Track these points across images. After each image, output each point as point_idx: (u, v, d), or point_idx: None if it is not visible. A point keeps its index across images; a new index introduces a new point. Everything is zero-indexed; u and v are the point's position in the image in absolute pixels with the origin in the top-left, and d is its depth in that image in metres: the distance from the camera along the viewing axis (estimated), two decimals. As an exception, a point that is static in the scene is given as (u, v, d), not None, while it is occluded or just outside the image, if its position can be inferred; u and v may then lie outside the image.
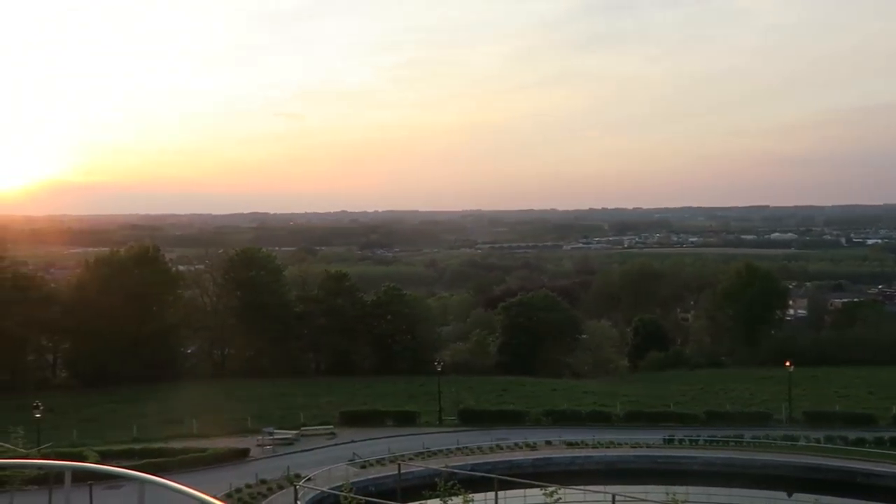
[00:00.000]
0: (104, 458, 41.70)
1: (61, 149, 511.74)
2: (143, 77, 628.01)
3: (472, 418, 61.02)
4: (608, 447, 52.62)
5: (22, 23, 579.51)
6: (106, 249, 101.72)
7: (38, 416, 45.59)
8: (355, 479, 36.33)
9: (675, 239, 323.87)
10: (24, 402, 52.11)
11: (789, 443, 53.43)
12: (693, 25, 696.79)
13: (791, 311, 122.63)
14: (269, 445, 51.15)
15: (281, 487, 40.65)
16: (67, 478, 8.09)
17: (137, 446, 48.40)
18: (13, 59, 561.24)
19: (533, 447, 52.08)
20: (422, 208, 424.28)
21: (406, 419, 60.48)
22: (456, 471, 30.13)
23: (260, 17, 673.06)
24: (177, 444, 50.27)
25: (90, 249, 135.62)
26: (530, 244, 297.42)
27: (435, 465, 40.16)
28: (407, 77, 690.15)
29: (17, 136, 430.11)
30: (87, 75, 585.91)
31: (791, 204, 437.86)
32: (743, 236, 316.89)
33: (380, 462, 46.30)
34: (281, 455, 48.89)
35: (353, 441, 52.47)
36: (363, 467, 45.27)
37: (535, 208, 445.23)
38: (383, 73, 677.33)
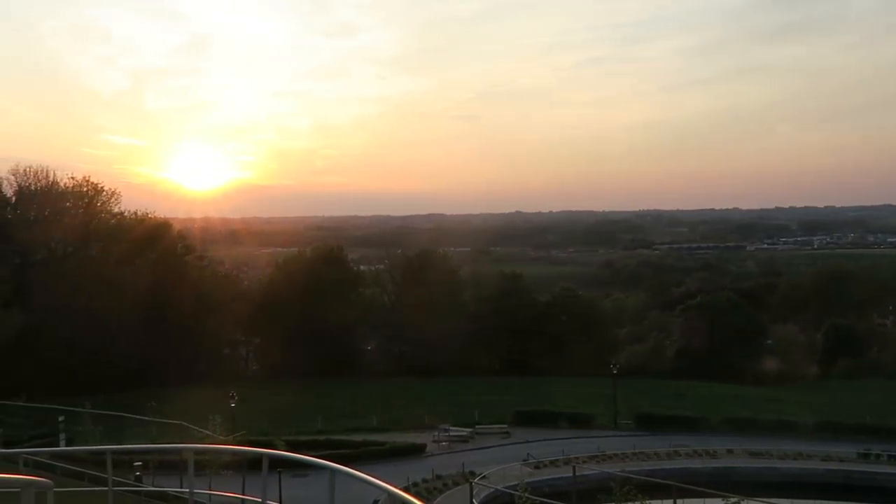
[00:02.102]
0: (291, 447, 43.80)
1: (256, 154, 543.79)
2: (325, 85, 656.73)
3: (648, 422, 59.64)
4: (796, 459, 49.85)
5: (220, 39, 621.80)
6: (294, 249, 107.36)
7: (232, 405, 48.68)
8: (530, 479, 36.32)
9: (872, 239, 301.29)
10: (220, 392, 55.82)
11: None
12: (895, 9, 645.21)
13: None
14: (445, 442, 52.20)
15: (456, 484, 41.34)
16: (265, 464, 8.69)
17: (322, 437, 50.66)
18: (210, 71, 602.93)
19: (713, 455, 50.20)
20: (597, 208, 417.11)
21: (580, 421, 59.94)
22: (632, 475, 29.55)
23: (439, 21, 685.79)
24: (357, 437, 52.27)
25: (279, 249, 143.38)
26: (711, 244, 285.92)
27: (610, 468, 39.58)
28: (584, 76, 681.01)
29: (219, 142, 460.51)
30: (276, 83, 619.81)
31: None
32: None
33: (554, 463, 46.14)
34: (456, 452, 49.77)
35: (527, 441, 52.58)
36: (537, 468, 45.27)
37: (717, 207, 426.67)
38: (560, 72, 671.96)
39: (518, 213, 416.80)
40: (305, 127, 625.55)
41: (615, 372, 63.48)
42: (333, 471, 7.18)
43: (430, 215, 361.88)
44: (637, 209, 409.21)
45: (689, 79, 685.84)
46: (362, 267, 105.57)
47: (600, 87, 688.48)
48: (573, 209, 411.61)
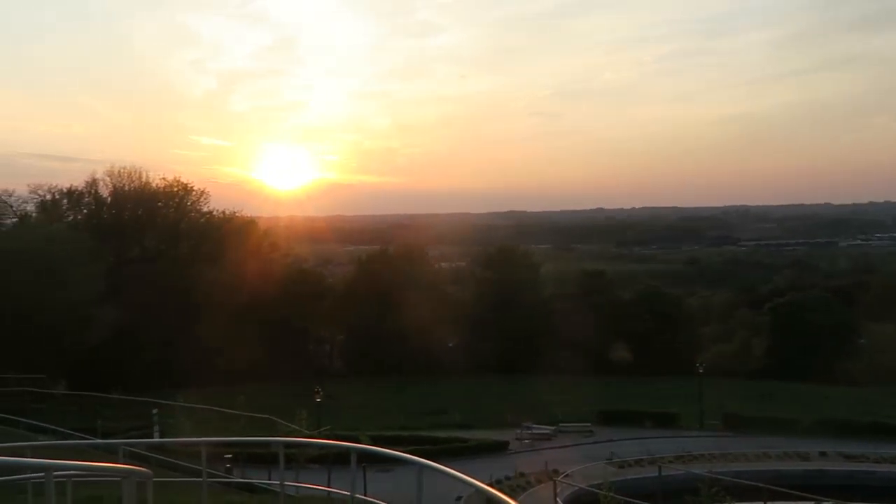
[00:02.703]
0: (375, 442, 44.28)
1: (339, 153, 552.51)
2: (406, 84, 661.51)
3: (736, 423, 58.25)
4: (894, 462, 47.97)
5: (304, 41, 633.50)
6: (376, 247, 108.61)
7: (318, 400, 49.46)
8: (614, 479, 35.93)
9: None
10: (306, 388, 56.82)
11: None
12: None
13: None
14: (528, 440, 52.05)
15: (539, 481, 41.16)
16: (353, 458, 8.86)
17: (405, 433, 51.05)
18: (294, 72, 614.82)
19: (804, 457, 48.68)
20: (681, 204, 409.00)
21: (665, 421, 58.98)
22: (720, 477, 28.93)
23: (519, 19, 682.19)
24: (440, 434, 52.50)
25: (361, 247, 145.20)
26: (801, 241, 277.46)
27: (696, 469, 38.81)
28: (667, 70, 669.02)
29: (303, 142, 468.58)
30: (357, 84, 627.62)
31: None
32: None
33: (639, 463, 45.47)
34: (539, 450, 49.56)
35: (610, 440, 52.02)
36: (621, 467, 44.70)
37: (807, 202, 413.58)
38: (643, 67, 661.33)
39: (599, 209, 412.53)
40: (386, 126, 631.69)
41: (701, 371, 62.23)
42: (422, 466, 7.26)
43: (510, 212, 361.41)
44: (722, 205, 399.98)
45: (776, 71, 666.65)
46: (443, 264, 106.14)
47: (684, 82, 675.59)
48: (656, 205, 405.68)
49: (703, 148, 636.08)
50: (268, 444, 17.41)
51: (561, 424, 56.03)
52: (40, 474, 7.05)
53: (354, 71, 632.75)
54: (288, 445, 20.92)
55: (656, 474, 38.31)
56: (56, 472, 7.24)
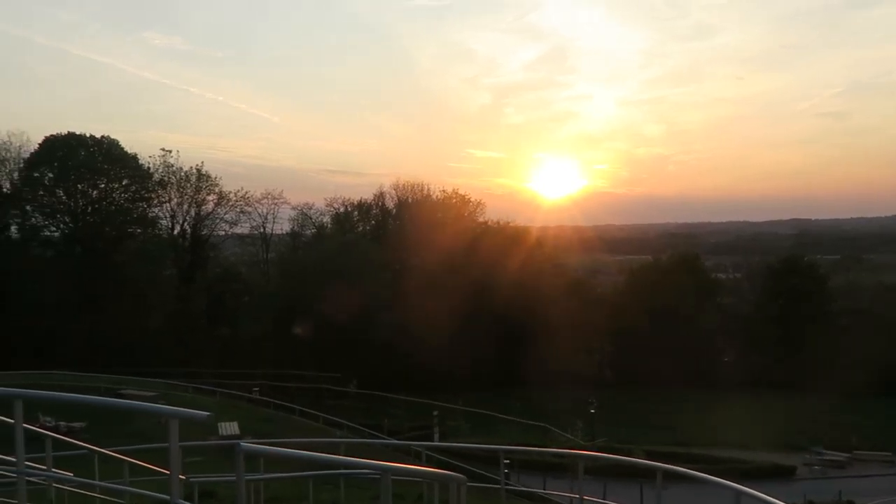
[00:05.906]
0: (649, 457, 43.24)
1: (608, 162, 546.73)
2: (678, 90, 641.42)
3: None
4: None
5: (575, 52, 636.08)
6: (645, 257, 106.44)
7: (592, 411, 49.29)
8: (922, 516, 32.44)
9: None
10: (574, 397, 56.86)
11: None
12: None
13: None
14: (818, 466, 48.38)
15: (831, 512, 38.19)
16: (659, 477, 8.76)
17: (681, 450, 49.28)
18: (565, 83, 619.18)
19: None
20: None
21: (985, 455, 52.20)
22: None
23: (804, 13, 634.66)
24: (718, 452, 50.16)
25: (630, 257, 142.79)
26: None
27: None
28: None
29: (573, 151, 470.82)
30: (628, 92, 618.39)
31: None
32: None
33: (952, 500, 40.68)
34: (831, 478, 45.86)
35: (917, 473, 47.00)
36: (930, 503, 40.26)
37: None
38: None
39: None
40: (657, 133, 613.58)
41: None
42: (739, 492, 6.99)
43: (792, 220, 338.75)
44: None
45: None
46: (719, 275, 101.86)
47: None
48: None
49: None
50: (570, 457, 17.54)
51: (856, 451, 51.47)
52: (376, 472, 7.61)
53: (625, 78, 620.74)
54: (586, 459, 21.02)
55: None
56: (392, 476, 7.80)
